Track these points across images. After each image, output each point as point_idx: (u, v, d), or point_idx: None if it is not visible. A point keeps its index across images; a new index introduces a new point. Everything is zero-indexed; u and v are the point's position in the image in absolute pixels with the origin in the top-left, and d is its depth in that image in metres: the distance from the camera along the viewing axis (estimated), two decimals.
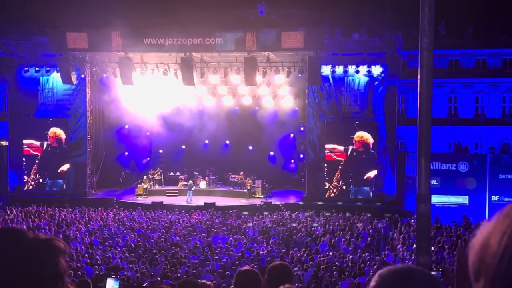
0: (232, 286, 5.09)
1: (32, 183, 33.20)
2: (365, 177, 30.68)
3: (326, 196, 31.08)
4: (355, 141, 30.89)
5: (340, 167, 31.05)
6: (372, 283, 1.62)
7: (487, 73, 36.34)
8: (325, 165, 31.23)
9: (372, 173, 30.72)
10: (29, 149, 33.15)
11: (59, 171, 33.02)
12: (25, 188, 33.13)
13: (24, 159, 33.22)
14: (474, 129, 36.27)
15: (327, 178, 31.19)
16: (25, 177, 33.23)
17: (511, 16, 37.32)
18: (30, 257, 1.60)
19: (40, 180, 33.10)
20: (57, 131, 33.07)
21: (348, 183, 30.95)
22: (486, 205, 28.75)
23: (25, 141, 33.16)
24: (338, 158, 31.12)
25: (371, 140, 30.77)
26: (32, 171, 33.17)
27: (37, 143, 33.16)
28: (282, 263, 4.91)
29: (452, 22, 36.66)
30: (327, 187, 31.15)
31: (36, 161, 33.13)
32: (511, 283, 1.06)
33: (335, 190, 31.09)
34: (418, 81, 5.69)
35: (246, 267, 4.83)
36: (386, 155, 31.00)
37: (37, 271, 1.60)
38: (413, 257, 17.96)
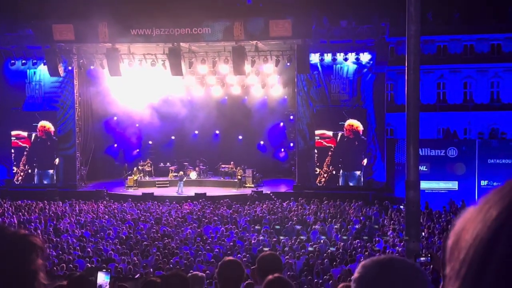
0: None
1: (22, 173, 33.02)
2: (362, 163, 30.70)
3: (317, 181, 31.14)
4: (346, 129, 30.95)
5: (330, 153, 31.14)
6: (356, 274, 1.64)
7: (475, 58, 36.44)
8: (315, 151, 31.28)
9: (365, 161, 30.84)
10: (18, 141, 32.95)
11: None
12: (14, 180, 32.94)
13: (13, 151, 32.98)
14: (462, 115, 36.43)
15: (318, 164, 31.25)
16: (14, 168, 33.04)
17: (498, 0, 37.38)
18: (2, 252, 1.57)
19: (29, 171, 32.94)
20: (46, 124, 32.86)
21: (338, 169, 31.05)
22: (476, 190, 28.98)
23: (13, 133, 32.93)
24: (328, 145, 31.21)
25: (361, 128, 30.84)
26: (21, 162, 32.98)
27: (25, 133, 32.93)
28: (272, 252, 4.92)
29: (439, 8, 36.66)
30: (317, 172, 31.22)
31: (25, 153, 32.94)
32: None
33: (325, 175, 31.18)
34: (406, 68, 5.70)
35: (229, 258, 4.82)
36: (375, 142, 31.11)
37: (8, 266, 1.57)
38: (403, 243, 18.09)
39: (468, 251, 1.06)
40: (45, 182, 32.88)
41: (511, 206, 1.07)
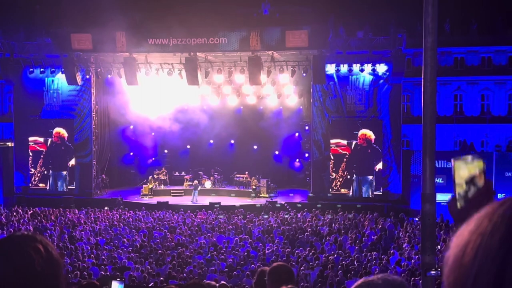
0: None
1: (39, 174, 33.38)
2: (375, 169, 30.75)
3: (333, 185, 31.18)
4: (359, 138, 31.01)
5: (345, 159, 31.22)
6: None
7: (493, 70, 36.20)
8: (332, 157, 31.32)
9: (378, 167, 30.78)
10: (36, 146, 33.39)
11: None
12: (32, 180, 33.35)
13: (31, 154, 33.40)
14: (479, 127, 36.15)
15: (334, 169, 31.27)
16: (32, 169, 33.41)
17: None
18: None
19: (45, 172, 33.32)
20: (60, 130, 33.26)
21: (352, 174, 31.11)
22: None
23: (30, 139, 33.39)
24: (343, 152, 31.26)
25: (373, 136, 30.93)
26: (38, 165, 33.38)
27: (41, 139, 33.36)
28: (283, 264, 4.88)
29: (456, 19, 36.53)
30: (333, 177, 31.25)
31: (42, 156, 33.35)
32: None
33: (341, 179, 31.24)
34: (422, 80, 5.66)
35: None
36: (391, 154, 30.94)
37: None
38: (418, 256, 17.92)
39: (471, 266, 1.05)
40: (59, 183, 33.17)
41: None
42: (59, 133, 33.32)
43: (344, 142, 31.25)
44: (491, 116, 36.37)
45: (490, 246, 1.03)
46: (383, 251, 21.18)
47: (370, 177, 31.02)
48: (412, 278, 15.89)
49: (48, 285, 1.64)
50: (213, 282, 10.73)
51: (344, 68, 30.80)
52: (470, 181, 1.63)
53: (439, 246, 20.04)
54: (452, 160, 1.66)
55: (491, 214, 1.09)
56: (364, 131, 31.02)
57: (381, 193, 30.76)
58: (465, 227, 1.12)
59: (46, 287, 1.64)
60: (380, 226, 24.86)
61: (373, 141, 30.95)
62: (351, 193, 31.00)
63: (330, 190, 31.19)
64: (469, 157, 1.66)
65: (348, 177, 31.21)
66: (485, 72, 36.25)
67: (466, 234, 1.10)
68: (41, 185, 33.37)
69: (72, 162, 33.22)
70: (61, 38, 30.44)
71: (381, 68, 30.51)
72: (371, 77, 30.90)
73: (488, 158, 29.89)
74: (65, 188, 33.25)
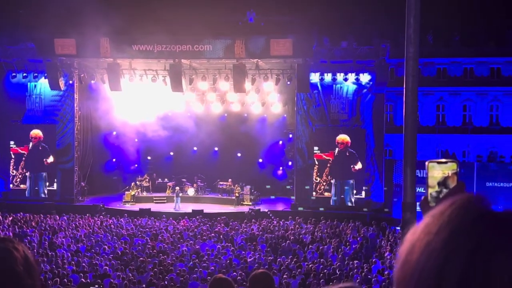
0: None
1: (20, 176, 33.10)
2: (354, 168, 31.00)
3: (317, 188, 31.32)
4: (338, 143, 31.20)
5: (328, 164, 31.36)
6: None
7: (475, 81, 36.62)
8: (316, 162, 31.43)
9: (358, 166, 30.92)
10: (18, 148, 33.14)
11: (45, 163, 32.88)
12: (12, 181, 33.06)
13: (13, 156, 33.17)
14: (461, 137, 36.50)
15: (318, 173, 31.37)
16: (14, 171, 33.15)
17: (498, 24, 37.67)
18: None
19: (27, 174, 33.02)
20: (36, 132, 33.06)
21: (335, 178, 31.26)
22: None
23: (12, 142, 33.19)
24: (327, 158, 31.42)
25: (349, 140, 31.15)
26: (20, 166, 33.12)
27: (22, 146, 33.18)
28: (264, 271, 4.88)
29: (439, 31, 36.93)
30: (318, 181, 31.36)
31: (23, 158, 33.10)
32: None
33: (324, 184, 31.39)
34: (404, 90, 5.72)
35: (220, 275, 4.81)
36: (374, 163, 31.11)
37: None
38: None
39: (417, 264, 1.07)
40: (39, 184, 32.89)
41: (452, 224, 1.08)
42: (36, 134, 33.08)
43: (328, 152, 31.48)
44: (473, 127, 36.76)
45: (434, 246, 1.06)
46: (365, 260, 21.25)
47: (351, 181, 31.20)
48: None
49: (28, 285, 1.64)
50: None
51: (328, 77, 30.96)
52: (443, 182, 1.68)
53: None
54: (426, 162, 1.71)
55: (440, 214, 1.11)
56: (341, 136, 31.25)
57: (363, 197, 30.89)
58: (419, 224, 1.14)
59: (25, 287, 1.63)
60: (362, 234, 24.94)
61: (349, 145, 31.18)
62: (335, 197, 31.10)
63: (314, 193, 31.30)
64: (443, 159, 1.71)
65: (332, 181, 31.43)
66: (467, 83, 36.67)
67: (417, 231, 1.12)
68: (22, 186, 33.10)
69: (51, 159, 32.91)
70: (44, 43, 30.22)
71: (365, 78, 30.73)
72: (354, 86, 31.10)
73: (470, 168, 30.18)
74: (45, 189, 32.90)
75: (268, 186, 35.72)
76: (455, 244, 1.04)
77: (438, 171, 1.68)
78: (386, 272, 18.37)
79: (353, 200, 31.01)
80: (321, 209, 29.30)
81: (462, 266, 1.01)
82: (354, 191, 31.02)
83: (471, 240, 1.03)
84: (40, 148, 33.11)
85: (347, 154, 31.28)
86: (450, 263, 1.03)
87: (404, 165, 5.68)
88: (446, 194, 1.65)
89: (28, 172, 33.14)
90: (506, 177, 30.13)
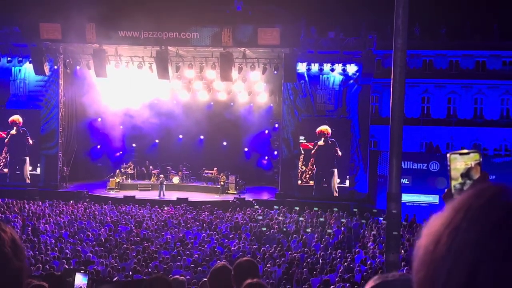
0: (204, 280, 5.08)
1: (3, 160, 32.86)
2: (338, 153, 31.15)
3: (303, 177, 31.43)
4: (319, 133, 31.40)
5: (313, 152, 31.47)
6: None
7: (460, 74, 36.86)
8: (302, 151, 31.50)
9: (340, 152, 31.21)
10: (1, 133, 32.83)
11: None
12: None
13: None
14: (445, 130, 36.78)
15: (304, 162, 31.46)
16: None
17: (483, 18, 37.91)
18: None
19: (9, 158, 32.81)
20: (16, 117, 32.76)
21: (320, 167, 31.32)
22: None
23: None
24: (311, 147, 31.47)
25: (330, 131, 31.21)
26: (3, 151, 32.83)
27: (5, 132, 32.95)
28: (249, 259, 4.92)
29: (426, 23, 37.09)
30: (303, 170, 31.46)
31: (5, 142, 32.87)
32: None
33: (310, 173, 31.50)
34: (391, 81, 5.75)
35: (221, 263, 4.84)
36: (359, 153, 31.27)
37: None
38: (383, 255, 18.16)
39: (444, 262, 1.02)
40: (24, 168, 32.70)
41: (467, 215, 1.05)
42: (14, 120, 32.75)
43: (312, 142, 31.56)
44: (457, 119, 37.05)
45: (465, 243, 1.01)
46: (348, 250, 21.42)
47: (334, 169, 31.35)
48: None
49: (16, 268, 1.63)
50: (181, 277, 10.71)
51: (315, 67, 30.98)
52: (466, 173, 1.67)
53: (402, 246, 20.34)
54: (448, 154, 1.70)
55: (466, 208, 1.05)
56: (322, 127, 31.36)
57: (347, 187, 31.04)
58: (437, 217, 1.09)
59: (13, 270, 1.63)
60: (345, 225, 25.11)
61: (329, 135, 31.27)
62: (318, 186, 31.23)
63: (299, 182, 31.40)
64: (465, 150, 1.70)
65: (316, 170, 31.57)
66: (452, 75, 36.90)
67: (438, 225, 1.07)
68: (5, 170, 32.84)
69: (30, 142, 32.70)
70: (29, 27, 29.89)
71: (351, 69, 30.80)
72: (341, 77, 31.16)
73: None
74: (27, 174, 32.66)
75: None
76: (487, 245, 0.99)
77: (461, 162, 1.66)
78: (368, 262, 18.54)
79: (336, 189, 31.16)
80: (307, 210, 29.40)
81: (496, 268, 0.97)
82: (338, 180, 31.16)
83: (504, 241, 0.98)
84: (21, 132, 32.82)
85: (329, 142, 31.43)
86: (484, 261, 0.98)
87: (390, 155, 5.73)
88: (471, 186, 1.62)
89: (11, 157, 32.86)
90: (489, 169, 30.04)
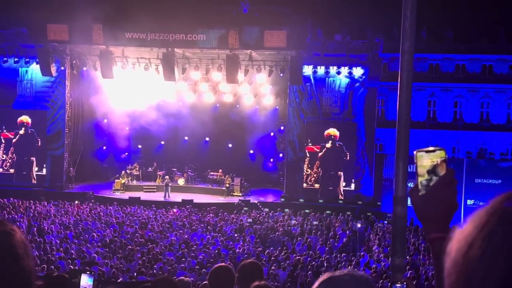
0: (205, 282, 5.07)
1: (10, 160, 32.98)
2: (346, 158, 31.17)
3: (308, 180, 31.41)
4: (326, 136, 31.37)
5: (319, 155, 31.46)
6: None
7: (466, 78, 36.75)
8: (308, 155, 31.48)
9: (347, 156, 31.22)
10: (8, 133, 32.98)
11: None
12: (2, 166, 33.00)
13: (3, 141, 33.09)
14: (452, 133, 36.67)
15: (309, 165, 31.41)
16: (4, 155, 33.07)
17: (490, 21, 37.82)
18: None
19: (15, 158, 32.96)
20: (24, 118, 32.91)
21: (325, 170, 31.28)
22: (462, 209, 29.10)
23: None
24: (318, 150, 31.47)
25: (337, 134, 31.22)
26: (10, 151, 32.96)
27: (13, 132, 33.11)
28: (253, 261, 4.91)
29: (433, 27, 37.02)
30: (308, 173, 31.41)
31: (13, 142, 33.02)
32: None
33: (315, 176, 31.46)
34: (398, 84, 5.73)
35: (221, 264, 4.83)
36: (364, 156, 31.21)
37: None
38: (389, 259, 18.10)
39: (479, 264, 1.03)
40: (26, 167, 32.84)
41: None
42: (23, 121, 32.90)
43: (318, 146, 31.53)
44: (463, 123, 36.93)
45: (501, 246, 1.02)
46: (353, 253, 21.36)
47: (340, 173, 31.31)
48: (381, 281, 16.05)
49: (28, 268, 1.65)
50: (186, 278, 10.70)
51: (321, 70, 30.96)
52: (432, 170, 1.68)
53: (408, 250, 20.28)
54: (415, 152, 1.71)
55: (500, 212, 1.07)
56: (330, 130, 31.31)
57: (352, 190, 31.00)
58: (468, 222, 1.11)
59: (26, 270, 1.64)
60: (350, 228, 25.05)
61: (337, 139, 31.25)
62: (324, 189, 31.19)
63: (304, 185, 31.37)
64: (431, 148, 1.72)
65: (321, 173, 31.53)
66: (459, 79, 36.79)
67: (471, 229, 1.08)
68: (11, 170, 32.95)
69: (39, 143, 32.81)
70: (37, 28, 30.01)
71: (358, 72, 30.76)
72: (347, 80, 31.12)
73: (459, 164, 30.34)
74: (34, 174, 32.76)
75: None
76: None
77: (427, 159, 1.69)
78: (373, 266, 18.48)
79: (342, 192, 31.11)
80: (320, 201, 29.39)
81: None
82: (344, 183, 31.12)
83: None
84: (30, 132, 32.97)
85: (337, 146, 31.39)
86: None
87: (396, 158, 5.70)
88: (438, 182, 1.64)
89: (18, 157, 32.97)
90: (495, 174, 30.35)
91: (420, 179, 1.69)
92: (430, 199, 1.65)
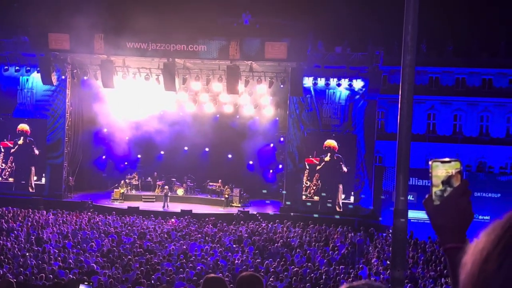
0: None
1: (9, 170, 32.98)
2: (343, 171, 31.12)
3: (307, 192, 31.37)
4: (325, 148, 31.35)
5: (318, 167, 31.45)
6: None
7: (466, 91, 36.82)
8: (307, 166, 31.48)
9: (345, 168, 31.15)
10: (7, 142, 33.00)
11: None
12: (1, 175, 32.93)
13: (2, 150, 33.05)
14: (451, 146, 36.67)
15: (309, 177, 31.43)
16: (3, 164, 33.02)
17: (490, 35, 37.96)
18: None
19: (14, 167, 32.94)
20: (23, 126, 32.92)
21: (324, 182, 31.28)
22: None
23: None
24: (317, 162, 31.46)
25: (336, 145, 31.26)
26: (9, 160, 32.93)
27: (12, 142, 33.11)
28: (252, 273, 4.89)
29: (433, 40, 37.15)
30: (308, 185, 31.42)
31: (11, 151, 33.04)
32: None
33: (314, 188, 31.46)
34: (399, 97, 5.74)
35: (212, 275, 4.82)
36: (364, 169, 31.20)
37: None
38: (388, 271, 18.05)
39: (496, 276, 1.05)
40: (25, 176, 32.80)
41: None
42: (22, 129, 32.93)
43: (318, 158, 31.55)
44: (463, 137, 36.95)
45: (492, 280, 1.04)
46: (352, 265, 21.29)
47: (340, 186, 31.27)
48: None
49: None
50: None
51: (321, 82, 31.04)
52: (447, 181, 1.68)
53: (407, 263, 20.22)
54: (430, 161, 1.71)
55: (496, 240, 1.08)
56: (329, 142, 31.34)
57: (351, 202, 30.96)
58: (483, 235, 1.12)
59: None
60: (349, 240, 24.99)
61: (336, 150, 31.25)
62: (323, 201, 31.15)
63: (304, 197, 31.33)
64: (447, 158, 1.72)
65: (321, 185, 31.50)
66: (458, 93, 36.85)
67: (486, 243, 1.10)
68: (10, 179, 32.91)
69: (36, 152, 32.78)
70: (38, 37, 30.11)
71: (358, 84, 30.84)
72: (347, 92, 31.20)
73: None
74: (32, 183, 32.73)
75: (264, 191, 35.53)
76: None
77: (442, 170, 1.69)
78: (372, 279, 18.41)
79: (341, 204, 31.07)
80: (315, 215, 29.34)
81: None
82: (343, 196, 31.09)
83: None
84: (28, 141, 32.97)
85: (335, 158, 31.40)
86: None
87: (397, 171, 5.70)
88: (452, 193, 1.65)
89: (17, 166, 32.96)
90: (494, 187, 30.34)
91: (434, 189, 1.70)
92: (445, 210, 1.66)
